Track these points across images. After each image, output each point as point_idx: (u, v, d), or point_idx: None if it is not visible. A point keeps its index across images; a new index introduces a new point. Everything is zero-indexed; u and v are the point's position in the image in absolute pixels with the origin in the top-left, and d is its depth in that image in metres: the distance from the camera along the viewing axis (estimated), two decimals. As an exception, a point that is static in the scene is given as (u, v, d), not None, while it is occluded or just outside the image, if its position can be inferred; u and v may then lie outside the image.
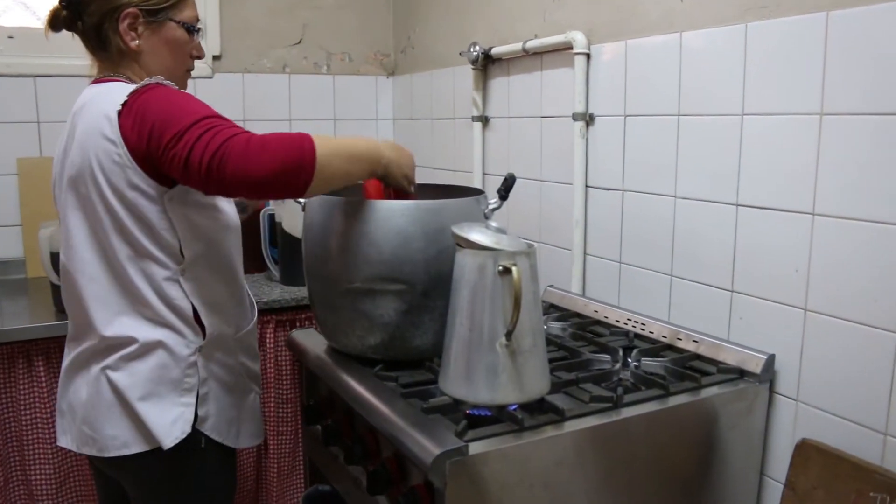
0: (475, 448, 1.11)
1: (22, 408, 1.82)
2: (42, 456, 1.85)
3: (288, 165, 1.17)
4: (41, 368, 1.83)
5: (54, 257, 1.88)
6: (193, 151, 1.15)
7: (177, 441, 1.30)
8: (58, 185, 1.36)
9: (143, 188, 1.25)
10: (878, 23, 1.17)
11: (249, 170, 1.14)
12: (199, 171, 1.15)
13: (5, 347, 1.80)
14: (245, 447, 1.48)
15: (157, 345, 1.30)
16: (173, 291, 1.30)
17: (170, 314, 1.31)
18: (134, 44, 1.33)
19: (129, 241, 1.28)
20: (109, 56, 1.35)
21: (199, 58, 1.44)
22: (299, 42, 2.71)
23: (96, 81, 1.36)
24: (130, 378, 1.30)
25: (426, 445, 1.10)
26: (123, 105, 1.23)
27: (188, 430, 1.31)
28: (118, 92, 1.26)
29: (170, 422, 1.30)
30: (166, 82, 1.28)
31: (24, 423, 1.83)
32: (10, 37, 2.32)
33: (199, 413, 1.33)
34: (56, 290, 1.92)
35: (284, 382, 2.11)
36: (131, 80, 1.33)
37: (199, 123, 1.17)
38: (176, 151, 1.17)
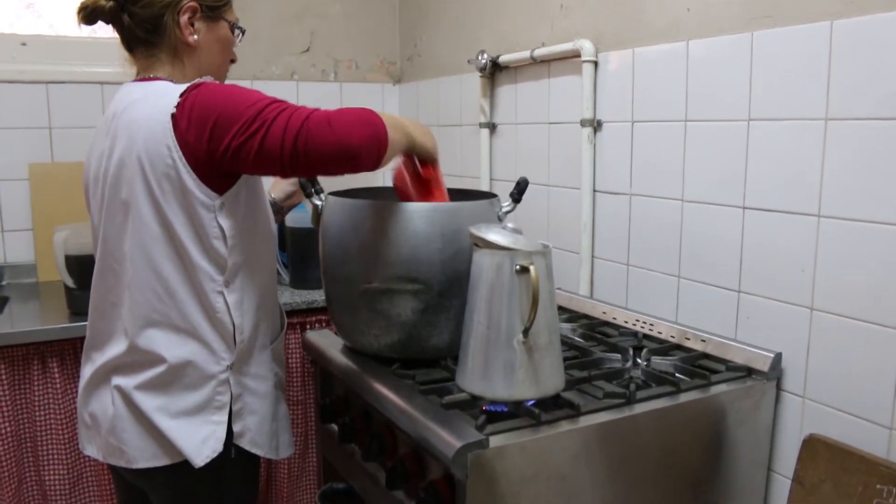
0: (495, 441, 1.14)
1: (36, 408, 1.84)
2: (56, 456, 1.87)
3: (370, 138, 1.21)
4: (55, 370, 1.85)
5: (69, 260, 1.90)
6: (270, 134, 1.16)
7: (208, 460, 1.29)
8: (92, 188, 1.34)
9: (197, 194, 1.23)
10: (880, 31, 1.21)
11: (339, 144, 1.17)
12: (282, 152, 1.16)
13: (20, 349, 1.82)
14: (284, 457, 1.47)
15: (186, 365, 1.28)
16: (218, 304, 1.29)
17: (207, 326, 1.29)
18: (192, 38, 1.32)
19: (178, 250, 1.26)
20: (160, 51, 1.33)
21: (234, 62, 1.44)
22: (307, 50, 2.75)
23: (139, 80, 1.34)
24: (158, 399, 1.29)
25: (448, 439, 1.13)
26: (176, 107, 1.21)
27: (219, 448, 1.30)
28: (168, 93, 1.23)
29: (200, 441, 1.29)
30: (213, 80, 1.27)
31: (38, 423, 1.85)
32: (23, 44, 2.35)
33: (235, 429, 1.32)
34: (70, 292, 1.94)
35: (295, 384, 2.13)
36: (175, 81, 1.31)
37: (269, 107, 1.18)
38: (247, 138, 1.17)
